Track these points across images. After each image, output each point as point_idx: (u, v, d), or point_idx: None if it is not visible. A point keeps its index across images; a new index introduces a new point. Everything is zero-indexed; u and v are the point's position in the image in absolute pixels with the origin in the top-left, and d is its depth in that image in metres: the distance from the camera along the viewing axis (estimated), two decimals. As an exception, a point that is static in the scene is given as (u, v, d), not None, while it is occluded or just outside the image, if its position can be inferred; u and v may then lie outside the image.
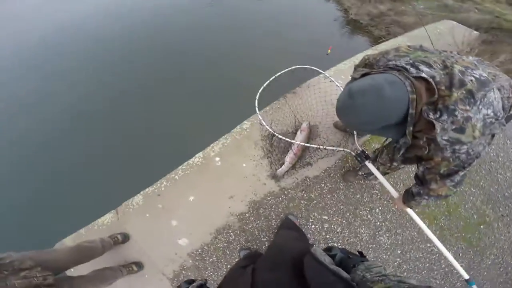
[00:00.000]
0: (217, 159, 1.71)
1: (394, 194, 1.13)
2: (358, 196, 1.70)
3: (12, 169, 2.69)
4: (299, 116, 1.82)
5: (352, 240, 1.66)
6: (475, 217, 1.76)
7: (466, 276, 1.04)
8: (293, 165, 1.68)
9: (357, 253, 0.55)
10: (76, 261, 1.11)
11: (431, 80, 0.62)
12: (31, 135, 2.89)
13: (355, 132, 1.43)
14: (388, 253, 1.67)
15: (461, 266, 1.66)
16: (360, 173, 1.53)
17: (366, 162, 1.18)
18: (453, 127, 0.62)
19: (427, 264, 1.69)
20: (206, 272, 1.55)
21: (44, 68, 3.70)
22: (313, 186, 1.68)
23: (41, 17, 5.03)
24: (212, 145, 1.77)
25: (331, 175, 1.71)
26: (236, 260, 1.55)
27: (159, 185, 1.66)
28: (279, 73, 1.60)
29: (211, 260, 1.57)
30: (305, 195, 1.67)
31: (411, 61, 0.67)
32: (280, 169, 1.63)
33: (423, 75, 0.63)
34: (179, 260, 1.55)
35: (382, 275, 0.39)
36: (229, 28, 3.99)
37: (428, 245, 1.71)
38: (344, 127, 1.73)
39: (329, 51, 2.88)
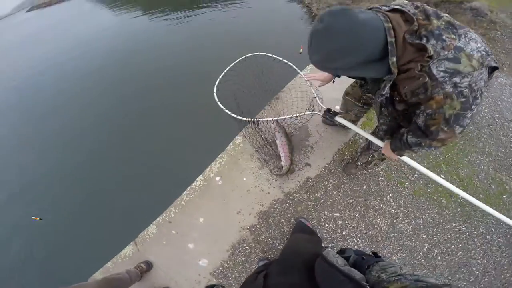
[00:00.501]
0: (218, 178, 1.81)
1: (379, 142, 1.04)
2: (364, 187, 1.69)
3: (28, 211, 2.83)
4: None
5: (370, 232, 1.61)
6: (493, 187, 1.66)
7: None
8: (292, 168, 1.73)
9: (372, 254, 0.54)
10: None
11: (405, 9, 0.62)
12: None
13: (318, 98, 1.34)
14: (413, 240, 1.60)
15: (499, 241, 1.56)
16: (358, 163, 1.55)
17: (336, 117, 1.15)
18: (446, 53, 0.58)
19: (460, 245, 1.58)
20: None
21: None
22: (317, 186, 1.71)
23: (18, 59, 5.49)
24: (210, 166, 1.87)
25: (332, 171, 1.74)
26: (255, 266, 1.55)
27: (168, 212, 1.75)
28: (234, 63, 1.60)
29: (233, 276, 1.58)
30: (311, 196, 1.69)
31: (381, 5, 0.70)
32: (281, 171, 1.69)
33: (396, 6, 0.64)
34: (203, 281, 1.57)
35: (398, 274, 0.39)
36: (201, 46, 4.24)
37: (454, 224, 1.62)
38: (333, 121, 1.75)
39: (301, 50, 2.97)
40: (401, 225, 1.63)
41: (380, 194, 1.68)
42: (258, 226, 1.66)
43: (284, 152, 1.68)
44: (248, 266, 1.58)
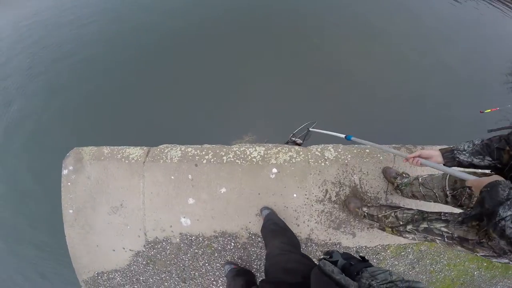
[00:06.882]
0: (274, 170, 1.26)
1: (464, 175, 0.69)
2: None
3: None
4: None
5: None
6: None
7: None
8: (339, 225, 1.36)
9: (359, 258, 0.52)
10: None
11: None
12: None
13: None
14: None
15: None
16: (365, 209, 1.21)
17: (310, 128, 1.03)
18: None
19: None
20: (184, 257, 1.40)
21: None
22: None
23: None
24: (279, 148, 1.28)
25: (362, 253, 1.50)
26: (219, 266, 1.41)
27: (203, 154, 1.30)
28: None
29: (196, 251, 1.38)
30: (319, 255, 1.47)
31: None
32: None
33: None
34: (168, 233, 1.35)
35: (388, 282, 0.38)
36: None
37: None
38: (392, 178, 1.34)
39: (488, 110, 1.95)
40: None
41: None
42: (259, 239, 1.37)
43: None
44: (216, 255, 1.40)
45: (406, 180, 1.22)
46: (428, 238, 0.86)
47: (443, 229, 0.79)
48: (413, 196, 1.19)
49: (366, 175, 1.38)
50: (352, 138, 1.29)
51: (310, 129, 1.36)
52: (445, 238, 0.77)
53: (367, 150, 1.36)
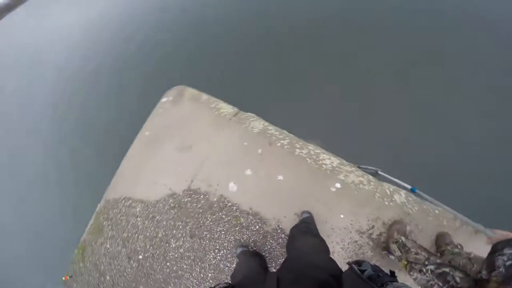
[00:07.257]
0: (338, 185, 1.26)
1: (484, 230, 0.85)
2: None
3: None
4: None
5: None
6: None
7: None
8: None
9: (389, 272, 0.52)
10: None
11: None
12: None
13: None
14: None
15: None
16: (403, 238, 1.17)
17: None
18: None
19: None
20: (209, 216, 1.47)
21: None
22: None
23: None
24: (353, 169, 1.29)
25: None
26: (232, 239, 1.46)
27: (280, 137, 1.38)
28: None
29: (223, 216, 1.45)
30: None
31: None
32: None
33: None
34: (212, 190, 1.45)
35: None
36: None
37: None
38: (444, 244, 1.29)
39: None
40: None
41: None
42: (283, 235, 1.38)
43: None
44: (237, 229, 1.45)
45: (457, 250, 1.16)
46: (430, 282, 0.87)
47: (457, 279, 0.81)
48: (449, 263, 1.13)
49: (420, 230, 1.29)
50: (417, 191, 1.25)
51: (379, 172, 1.37)
52: (447, 287, 0.81)
53: (437, 211, 1.26)
